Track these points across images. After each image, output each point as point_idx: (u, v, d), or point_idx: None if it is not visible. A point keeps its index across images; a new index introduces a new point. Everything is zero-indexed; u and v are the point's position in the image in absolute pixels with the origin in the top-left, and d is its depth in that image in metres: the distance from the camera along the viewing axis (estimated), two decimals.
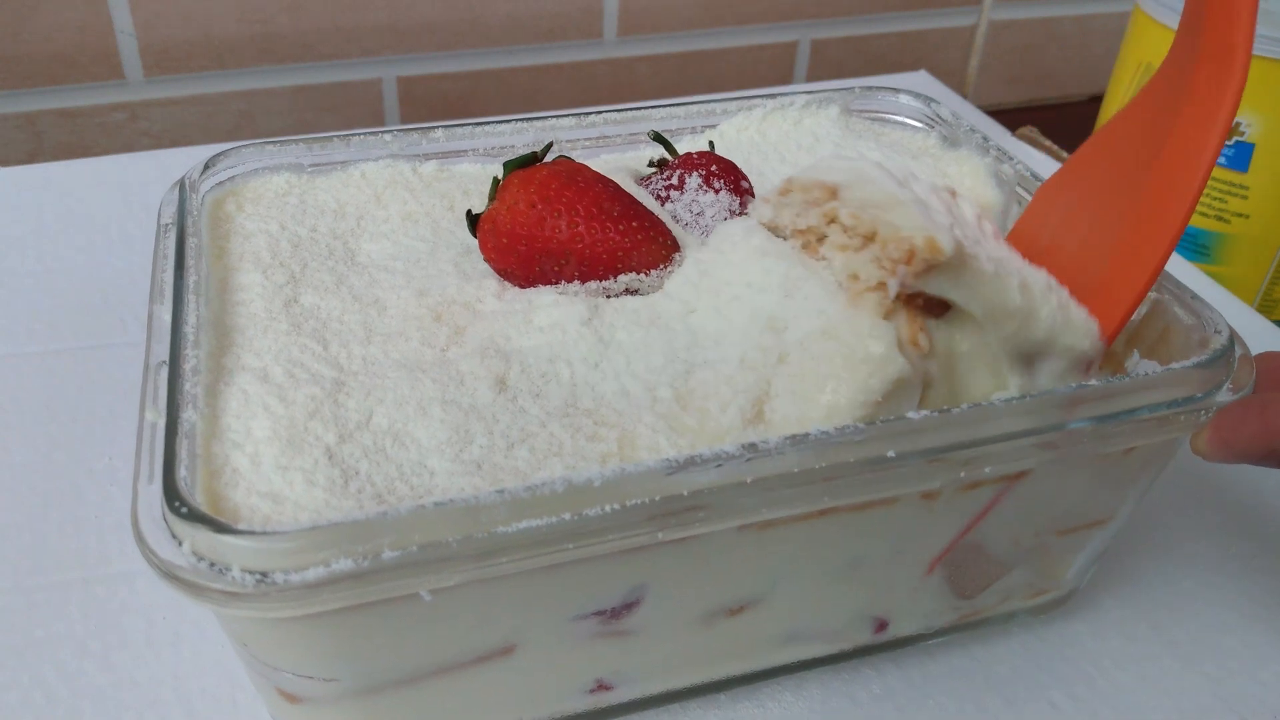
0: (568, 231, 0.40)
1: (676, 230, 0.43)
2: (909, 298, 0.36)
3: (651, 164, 0.49)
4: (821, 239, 0.37)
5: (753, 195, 0.46)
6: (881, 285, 0.35)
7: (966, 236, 0.36)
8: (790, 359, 0.36)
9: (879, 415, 0.34)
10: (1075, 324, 0.37)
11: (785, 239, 0.39)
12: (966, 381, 0.37)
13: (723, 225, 0.41)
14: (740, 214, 0.44)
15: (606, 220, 0.40)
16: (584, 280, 0.40)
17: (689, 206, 0.44)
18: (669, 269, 0.41)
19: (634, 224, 0.40)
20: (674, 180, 0.45)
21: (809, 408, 0.34)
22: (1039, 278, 0.37)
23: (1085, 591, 0.47)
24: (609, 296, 0.40)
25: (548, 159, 0.42)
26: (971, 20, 0.97)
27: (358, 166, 0.49)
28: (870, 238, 0.36)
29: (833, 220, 0.37)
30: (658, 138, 0.48)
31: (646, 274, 0.41)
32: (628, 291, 0.41)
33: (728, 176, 0.45)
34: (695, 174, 0.45)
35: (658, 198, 0.45)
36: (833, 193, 0.37)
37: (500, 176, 0.42)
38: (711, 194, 0.44)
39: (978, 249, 0.36)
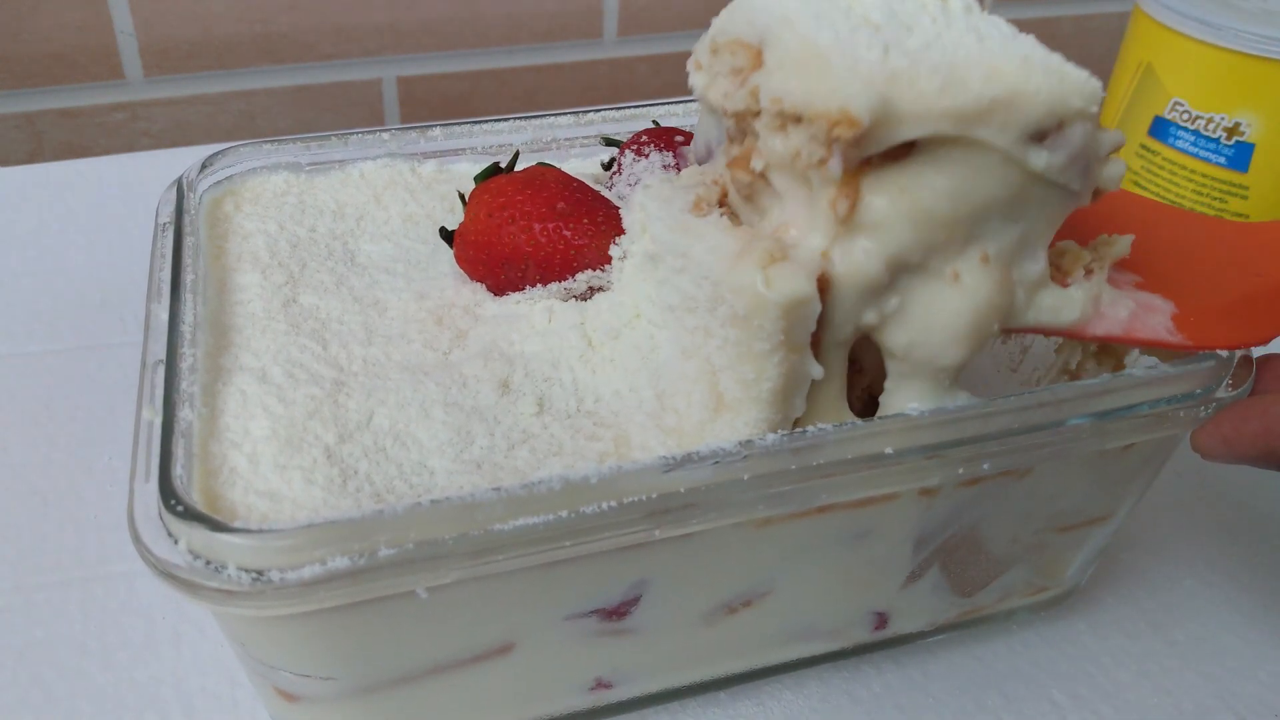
0: (523, 237, 0.40)
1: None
2: (862, 163, 0.32)
3: (604, 166, 0.49)
4: (757, 114, 0.34)
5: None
6: (823, 163, 0.32)
7: (907, 53, 0.32)
8: (713, 331, 0.34)
9: (792, 338, 0.33)
10: (1075, 82, 0.32)
11: (724, 117, 0.35)
12: (956, 193, 0.33)
13: (625, 209, 0.39)
14: (675, 166, 0.43)
15: (559, 220, 0.40)
16: (545, 283, 0.40)
17: (628, 181, 0.44)
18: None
19: (585, 220, 0.40)
20: (615, 166, 0.45)
21: (738, 376, 0.33)
22: (1013, 54, 0.32)
23: (1085, 589, 0.46)
24: (579, 299, 0.40)
25: (521, 166, 0.42)
26: None
27: (356, 166, 0.49)
28: (798, 119, 0.33)
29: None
30: (608, 141, 0.48)
31: (603, 270, 0.40)
32: (591, 290, 0.40)
33: (658, 141, 0.45)
34: (629, 151, 0.45)
35: (607, 188, 0.45)
36: (757, 55, 0.34)
37: (464, 191, 0.42)
38: (644, 160, 0.44)
39: (917, 66, 0.31)
